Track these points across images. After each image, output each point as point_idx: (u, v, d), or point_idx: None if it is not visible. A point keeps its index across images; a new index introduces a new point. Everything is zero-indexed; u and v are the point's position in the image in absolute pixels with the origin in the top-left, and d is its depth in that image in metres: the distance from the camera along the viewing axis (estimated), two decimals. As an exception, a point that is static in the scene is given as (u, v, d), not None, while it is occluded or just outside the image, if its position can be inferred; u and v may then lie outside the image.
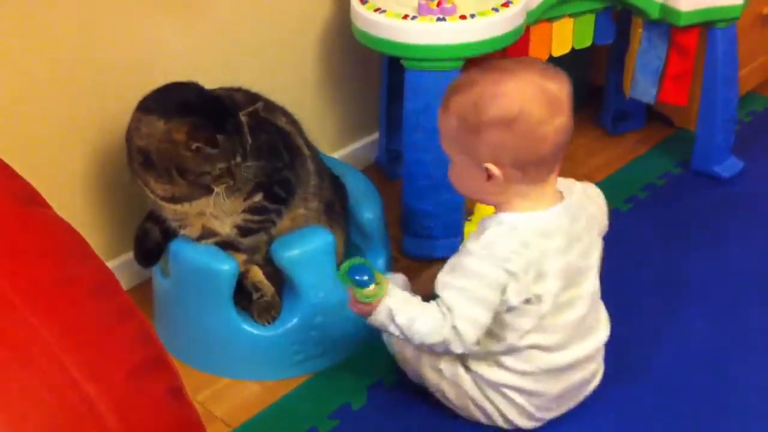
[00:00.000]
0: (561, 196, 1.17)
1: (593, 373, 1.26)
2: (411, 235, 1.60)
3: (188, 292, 1.34)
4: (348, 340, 1.38)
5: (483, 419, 1.25)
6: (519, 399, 1.21)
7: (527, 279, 1.12)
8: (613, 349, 1.29)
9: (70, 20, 1.33)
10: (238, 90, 1.35)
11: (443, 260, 1.29)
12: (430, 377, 1.25)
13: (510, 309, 1.14)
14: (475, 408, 1.24)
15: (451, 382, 1.23)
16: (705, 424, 1.26)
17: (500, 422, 1.24)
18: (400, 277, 1.38)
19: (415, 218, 1.57)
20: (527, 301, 1.14)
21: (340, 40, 1.71)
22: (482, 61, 1.16)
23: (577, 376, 1.23)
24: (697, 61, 1.76)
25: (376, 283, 1.14)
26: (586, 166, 1.88)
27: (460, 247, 1.16)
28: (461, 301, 1.11)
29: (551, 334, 1.17)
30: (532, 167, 1.11)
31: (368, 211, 1.43)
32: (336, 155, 1.80)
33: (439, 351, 1.16)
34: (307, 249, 1.32)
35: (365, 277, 1.14)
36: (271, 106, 1.38)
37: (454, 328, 1.11)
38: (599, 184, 1.81)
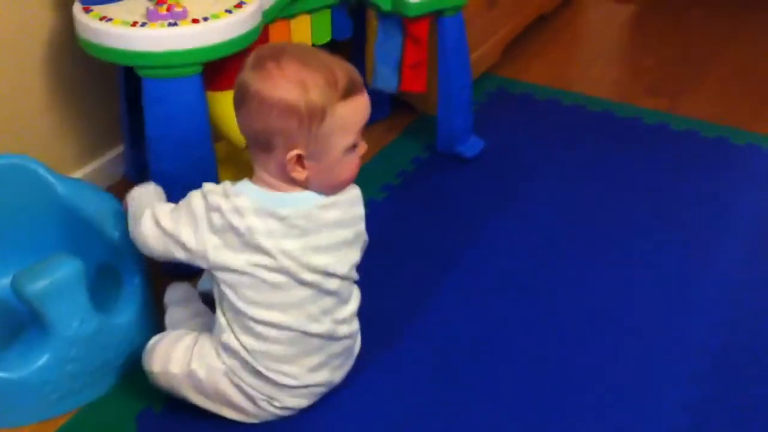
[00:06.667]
0: None
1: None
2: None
3: None
4: (110, 368, 1.31)
5: (249, 418, 1.24)
6: (276, 367, 1.20)
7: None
8: (371, 321, 1.33)
9: None
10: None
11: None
12: (181, 369, 1.23)
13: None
14: (234, 400, 1.22)
15: (206, 375, 1.22)
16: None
17: (270, 408, 1.24)
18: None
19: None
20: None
21: (70, 52, 1.61)
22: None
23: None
24: (431, 49, 1.83)
25: None
26: (340, 159, 1.91)
27: None
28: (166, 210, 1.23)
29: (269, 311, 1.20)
30: None
31: (117, 230, 1.36)
32: (79, 174, 1.70)
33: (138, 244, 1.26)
34: (55, 278, 1.23)
35: None
36: None
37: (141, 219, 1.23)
38: (355, 176, 1.87)
